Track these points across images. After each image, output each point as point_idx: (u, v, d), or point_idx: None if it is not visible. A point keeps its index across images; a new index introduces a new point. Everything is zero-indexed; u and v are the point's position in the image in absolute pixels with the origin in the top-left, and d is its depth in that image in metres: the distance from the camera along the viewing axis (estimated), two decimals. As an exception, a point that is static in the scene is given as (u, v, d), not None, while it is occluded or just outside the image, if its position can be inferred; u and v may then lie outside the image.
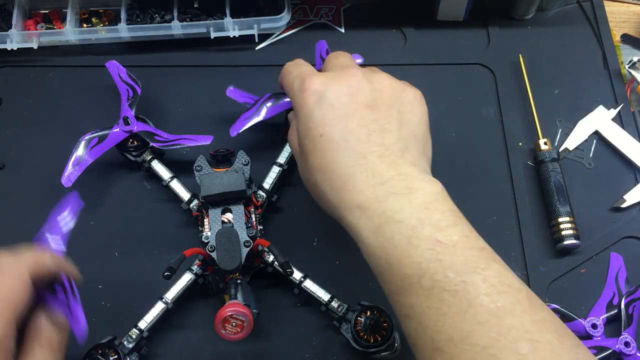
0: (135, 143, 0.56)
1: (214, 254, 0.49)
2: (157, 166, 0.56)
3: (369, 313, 0.49)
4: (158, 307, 0.50)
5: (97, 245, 0.56)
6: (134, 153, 0.56)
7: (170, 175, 0.56)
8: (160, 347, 0.52)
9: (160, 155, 0.58)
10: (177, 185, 0.55)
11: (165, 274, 0.46)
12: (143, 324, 0.49)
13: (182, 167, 0.57)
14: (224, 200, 0.52)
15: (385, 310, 0.49)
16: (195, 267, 0.51)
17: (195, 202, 0.54)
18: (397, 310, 0.37)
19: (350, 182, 0.38)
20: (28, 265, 0.38)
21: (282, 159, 0.56)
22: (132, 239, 0.56)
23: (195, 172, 0.53)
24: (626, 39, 0.69)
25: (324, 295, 0.51)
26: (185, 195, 0.55)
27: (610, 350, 0.50)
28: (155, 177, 0.57)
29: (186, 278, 0.51)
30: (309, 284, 0.51)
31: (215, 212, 0.51)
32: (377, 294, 0.50)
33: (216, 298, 0.52)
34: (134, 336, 0.48)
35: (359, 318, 0.49)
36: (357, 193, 0.38)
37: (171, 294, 0.50)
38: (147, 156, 0.57)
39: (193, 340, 0.52)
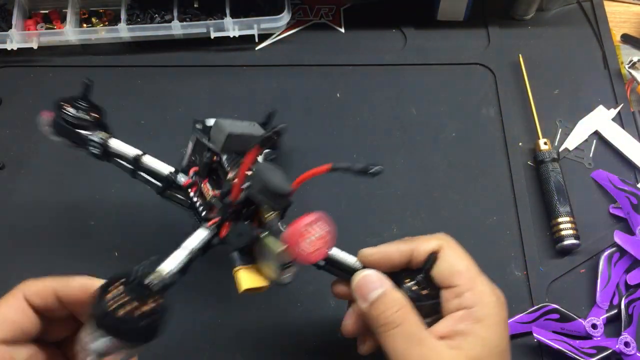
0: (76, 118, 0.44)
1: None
2: (117, 144, 0.44)
3: None
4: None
5: (97, 245, 0.56)
6: (84, 133, 0.44)
7: (139, 153, 0.44)
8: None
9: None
10: (152, 160, 0.44)
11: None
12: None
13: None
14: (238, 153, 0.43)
15: None
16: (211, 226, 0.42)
17: (182, 176, 0.44)
18: None
19: None
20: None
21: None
22: (131, 238, 0.56)
23: (195, 126, 0.47)
24: (626, 39, 0.69)
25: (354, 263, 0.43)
26: (164, 169, 0.44)
27: (610, 350, 0.50)
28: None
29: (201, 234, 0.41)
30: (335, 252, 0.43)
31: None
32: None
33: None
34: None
35: None
36: None
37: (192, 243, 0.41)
38: (99, 134, 0.44)
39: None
